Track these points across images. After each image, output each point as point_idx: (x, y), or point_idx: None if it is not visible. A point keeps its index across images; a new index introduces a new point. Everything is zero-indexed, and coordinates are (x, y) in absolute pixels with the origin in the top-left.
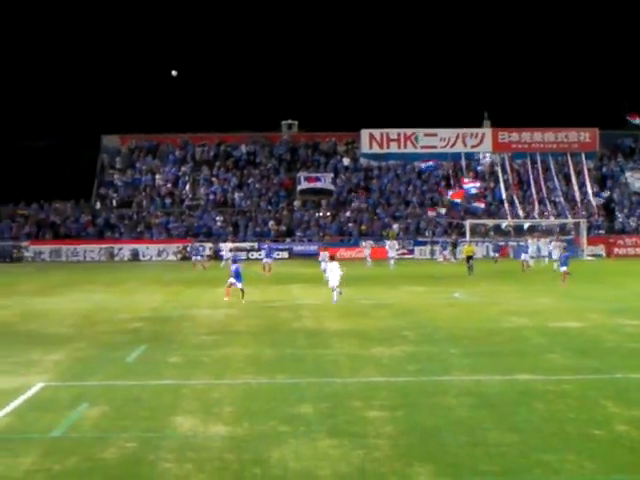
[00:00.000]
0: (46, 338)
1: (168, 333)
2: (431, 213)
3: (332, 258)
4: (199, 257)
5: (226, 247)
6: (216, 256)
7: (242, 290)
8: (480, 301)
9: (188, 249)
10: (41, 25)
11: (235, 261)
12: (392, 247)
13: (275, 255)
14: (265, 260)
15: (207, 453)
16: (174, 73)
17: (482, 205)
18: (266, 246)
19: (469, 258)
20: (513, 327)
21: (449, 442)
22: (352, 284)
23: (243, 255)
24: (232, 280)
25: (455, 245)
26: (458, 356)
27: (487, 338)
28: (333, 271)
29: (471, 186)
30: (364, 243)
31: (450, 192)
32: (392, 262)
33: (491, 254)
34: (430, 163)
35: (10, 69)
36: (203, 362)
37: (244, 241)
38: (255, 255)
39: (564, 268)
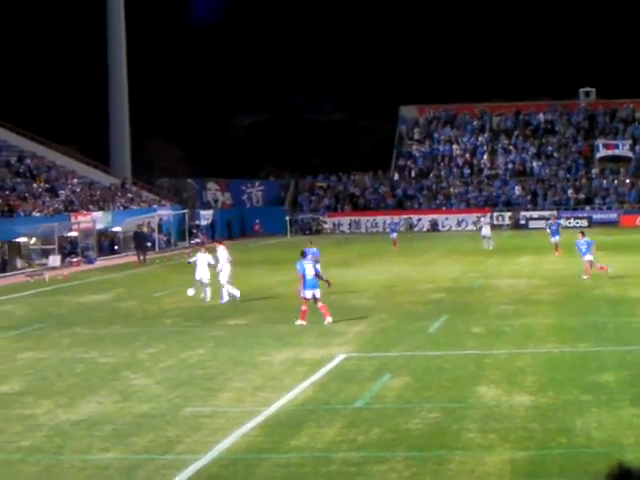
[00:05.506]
0: (347, 310)
1: (469, 303)
2: None
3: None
4: (395, 234)
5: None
6: (516, 225)
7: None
8: None
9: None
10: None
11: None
12: None
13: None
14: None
15: (511, 423)
16: None
17: None
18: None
19: None
20: None
21: None
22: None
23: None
24: None
25: None
26: None
27: None
28: None
29: None
30: (482, 219)
31: None
32: None
33: None
34: None
35: (318, 44)
36: (505, 332)
37: (543, 209)
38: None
39: None
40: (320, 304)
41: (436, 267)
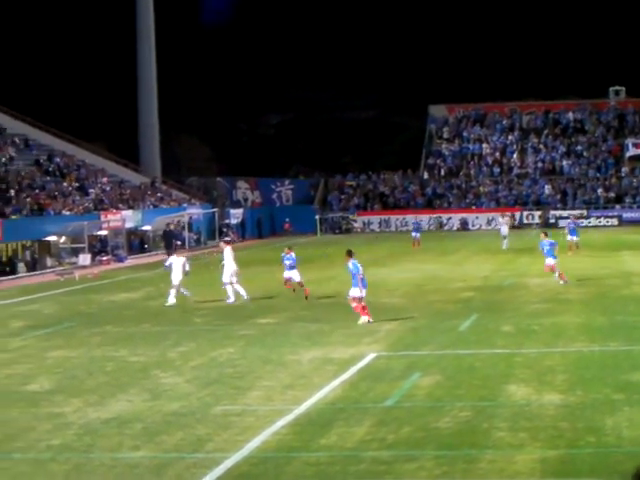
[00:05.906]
0: (378, 308)
1: (500, 302)
2: None
3: None
4: (416, 233)
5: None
6: (546, 224)
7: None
8: None
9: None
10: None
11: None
12: None
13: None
14: (570, 238)
15: (541, 421)
16: None
17: None
18: (572, 221)
19: None
20: None
21: None
22: None
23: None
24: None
25: None
26: None
27: None
28: None
29: None
30: (500, 219)
31: None
32: None
33: None
34: None
35: (345, 40)
36: (535, 330)
37: (573, 209)
38: (584, 222)
39: None
40: (364, 302)
41: (466, 266)
